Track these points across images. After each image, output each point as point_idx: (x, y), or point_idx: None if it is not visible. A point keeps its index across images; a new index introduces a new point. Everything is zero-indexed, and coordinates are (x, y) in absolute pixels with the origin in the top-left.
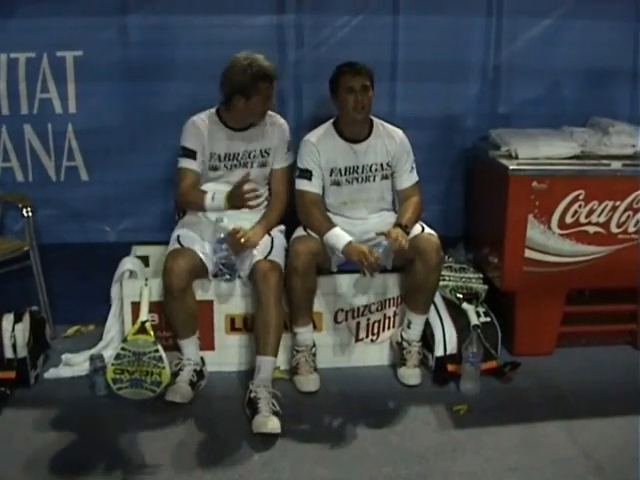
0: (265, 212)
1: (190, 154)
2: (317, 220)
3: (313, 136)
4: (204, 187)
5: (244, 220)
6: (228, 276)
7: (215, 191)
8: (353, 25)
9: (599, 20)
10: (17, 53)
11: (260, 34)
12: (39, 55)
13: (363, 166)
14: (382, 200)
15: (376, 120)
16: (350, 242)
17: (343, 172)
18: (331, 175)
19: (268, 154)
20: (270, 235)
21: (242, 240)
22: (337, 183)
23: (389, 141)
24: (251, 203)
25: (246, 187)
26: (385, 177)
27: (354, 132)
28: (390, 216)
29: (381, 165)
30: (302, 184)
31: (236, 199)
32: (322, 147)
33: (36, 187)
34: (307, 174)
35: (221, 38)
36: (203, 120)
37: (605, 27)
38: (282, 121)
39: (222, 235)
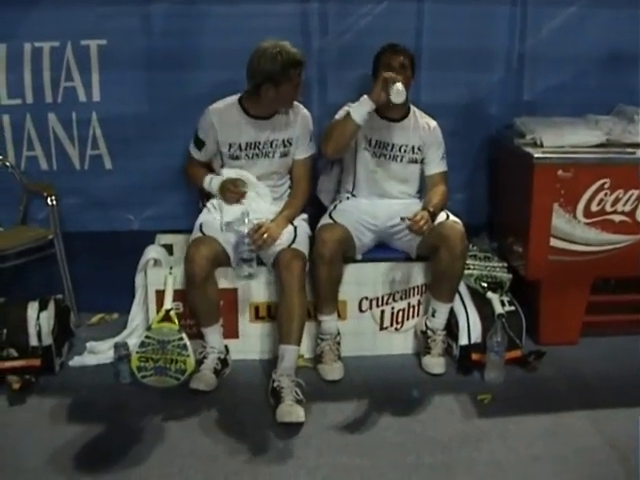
0: (287, 202)
1: (198, 143)
2: None
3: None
4: (224, 171)
5: (267, 213)
6: (247, 272)
7: (213, 177)
8: (377, 12)
9: (623, 8)
10: (41, 42)
11: (284, 22)
12: (63, 44)
13: (393, 144)
14: (406, 183)
15: (413, 107)
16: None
17: (374, 144)
18: (369, 145)
19: (290, 144)
20: (293, 224)
21: (265, 236)
22: (372, 154)
23: (423, 127)
24: (229, 202)
25: (234, 188)
26: (413, 161)
27: (390, 110)
28: (415, 203)
29: (412, 148)
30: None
31: (222, 192)
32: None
33: (60, 175)
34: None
35: (244, 26)
36: (220, 110)
37: (629, 15)
38: (305, 111)
39: (246, 230)
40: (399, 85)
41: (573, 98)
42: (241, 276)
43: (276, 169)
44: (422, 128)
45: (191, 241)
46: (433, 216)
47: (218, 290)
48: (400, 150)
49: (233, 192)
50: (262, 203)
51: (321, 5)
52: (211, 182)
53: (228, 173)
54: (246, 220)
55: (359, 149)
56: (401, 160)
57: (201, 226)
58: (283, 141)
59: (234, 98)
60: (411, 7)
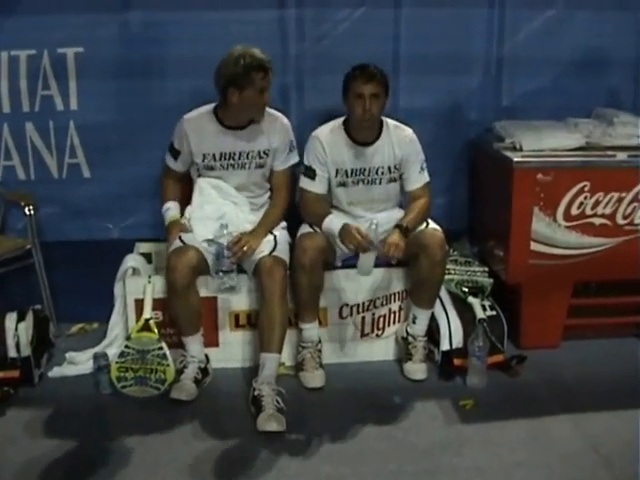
0: (266, 212)
1: (173, 152)
2: (316, 213)
3: (322, 133)
4: (200, 181)
5: (246, 223)
6: (228, 285)
7: (170, 207)
8: (354, 18)
9: (602, 10)
10: (18, 50)
11: (261, 29)
12: (40, 52)
13: (370, 169)
14: (388, 201)
15: (386, 120)
16: (344, 225)
17: (349, 174)
18: (337, 176)
19: (267, 155)
20: (273, 233)
21: (245, 248)
22: (343, 184)
23: (397, 144)
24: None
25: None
26: (392, 180)
27: (362, 135)
28: (397, 212)
29: (388, 168)
30: (305, 183)
31: (168, 233)
32: (329, 147)
33: (38, 185)
34: (311, 173)
35: (222, 34)
36: (194, 119)
37: (608, 17)
38: (285, 121)
39: (225, 243)
40: (369, 258)
41: (552, 101)
42: (222, 289)
43: (254, 180)
44: (397, 144)
45: (172, 250)
46: (407, 231)
47: (200, 299)
48: (377, 173)
49: (172, 236)
50: (240, 213)
51: (298, 11)
52: (166, 212)
53: (204, 183)
54: (225, 232)
55: (332, 189)
56: (380, 182)
57: (180, 235)
58: (259, 152)
59: (209, 107)
60: (388, 13)
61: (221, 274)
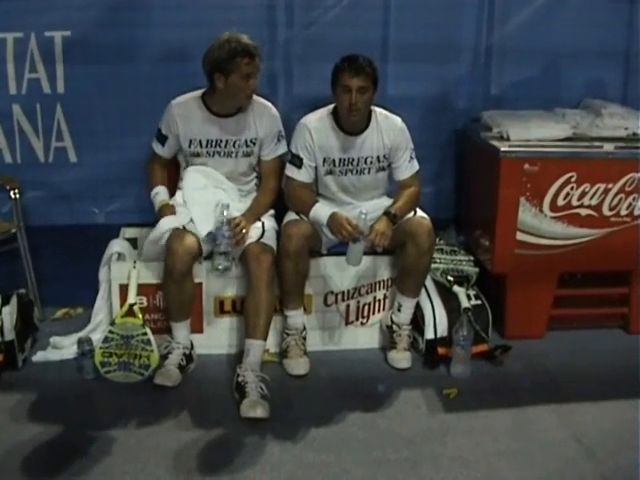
0: (255, 199)
1: (160, 138)
2: (302, 201)
3: (310, 121)
4: (189, 169)
5: (234, 210)
6: (223, 265)
7: (159, 192)
8: (344, 5)
9: (592, 1)
10: (4, 33)
11: (250, 14)
12: (27, 35)
13: (358, 158)
14: (376, 190)
15: (375, 109)
16: (333, 214)
17: (337, 163)
18: (324, 164)
19: (254, 144)
20: (260, 219)
21: (243, 231)
22: (331, 172)
23: (386, 133)
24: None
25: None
26: (381, 169)
27: (351, 125)
28: (385, 200)
29: (377, 158)
30: (291, 171)
31: (160, 213)
32: (317, 134)
33: (24, 168)
34: (297, 161)
35: (211, 19)
36: (182, 104)
37: (598, 8)
38: (273, 111)
39: (225, 224)
40: (358, 248)
41: (540, 91)
42: (218, 269)
43: (240, 169)
44: (386, 133)
45: (171, 234)
46: (394, 218)
47: (194, 285)
48: (366, 162)
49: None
50: (230, 201)
51: None
52: (155, 196)
53: (191, 171)
54: (225, 212)
55: (320, 177)
56: (369, 172)
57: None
58: (246, 141)
59: (197, 93)
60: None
61: (218, 255)
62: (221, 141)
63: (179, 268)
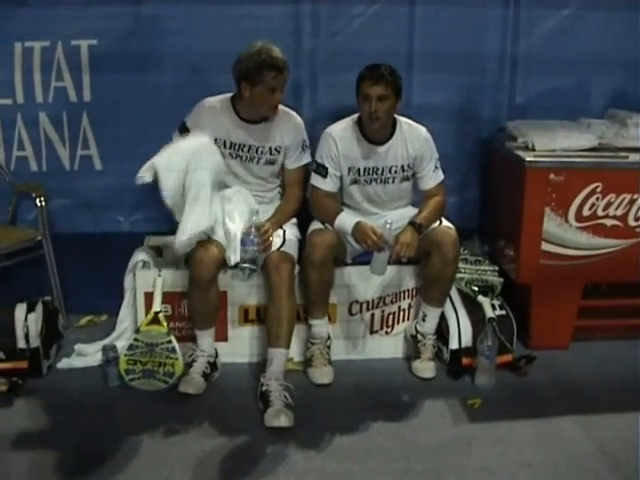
0: (278, 208)
1: (184, 130)
2: (327, 210)
3: (335, 130)
4: None
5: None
6: (250, 271)
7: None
8: (369, 14)
9: (616, 11)
10: (32, 42)
11: (276, 24)
12: (54, 44)
13: (383, 168)
14: (401, 200)
15: (400, 119)
16: (357, 223)
17: (362, 172)
18: (349, 174)
19: (278, 152)
20: (282, 227)
21: (271, 238)
22: (356, 182)
23: (411, 143)
24: None
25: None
26: (405, 179)
27: (375, 135)
28: (410, 210)
29: (402, 167)
30: (316, 180)
31: None
32: (342, 143)
33: (50, 176)
34: (323, 170)
35: (237, 29)
36: (213, 104)
37: (622, 18)
38: (298, 120)
39: (253, 230)
40: (383, 257)
41: (565, 101)
42: (244, 275)
43: (262, 175)
44: (410, 143)
45: (197, 243)
46: (420, 228)
47: (219, 294)
48: (391, 172)
49: None
50: (244, 206)
51: (313, 6)
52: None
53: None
54: (254, 218)
55: (345, 186)
56: (393, 182)
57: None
58: (270, 149)
59: (227, 96)
60: (403, 10)
61: (244, 261)
62: (244, 146)
63: (205, 277)
